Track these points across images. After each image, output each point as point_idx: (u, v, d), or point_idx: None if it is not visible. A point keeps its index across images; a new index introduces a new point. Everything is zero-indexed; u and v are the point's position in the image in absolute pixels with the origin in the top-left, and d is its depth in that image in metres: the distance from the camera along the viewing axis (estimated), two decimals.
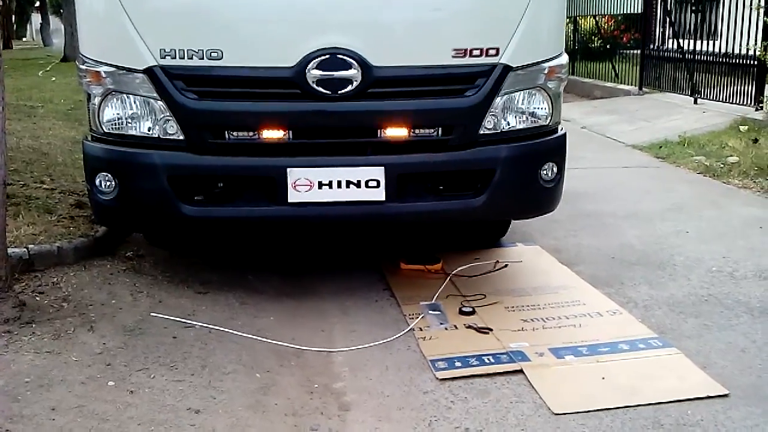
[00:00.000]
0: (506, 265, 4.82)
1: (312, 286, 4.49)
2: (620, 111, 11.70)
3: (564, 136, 4.25)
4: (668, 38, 13.87)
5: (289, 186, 3.83)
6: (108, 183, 3.91)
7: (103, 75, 3.85)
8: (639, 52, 14.11)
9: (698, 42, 11.99)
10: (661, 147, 8.91)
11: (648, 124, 10.55)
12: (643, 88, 13.25)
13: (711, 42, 11.77)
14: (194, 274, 4.48)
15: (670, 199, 6.58)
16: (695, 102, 11.44)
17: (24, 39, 45.42)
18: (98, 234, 4.59)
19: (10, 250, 4.04)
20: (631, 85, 13.65)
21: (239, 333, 3.68)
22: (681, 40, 12.52)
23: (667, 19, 13.50)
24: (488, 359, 3.52)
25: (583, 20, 16.99)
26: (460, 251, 5.05)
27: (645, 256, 5.05)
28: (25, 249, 4.15)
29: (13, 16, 30.35)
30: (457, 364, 3.49)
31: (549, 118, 4.13)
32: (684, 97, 11.84)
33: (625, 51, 15.76)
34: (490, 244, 5.21)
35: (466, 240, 5.18)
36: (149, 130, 3.86)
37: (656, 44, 14.07)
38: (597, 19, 16.60)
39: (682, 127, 9.76)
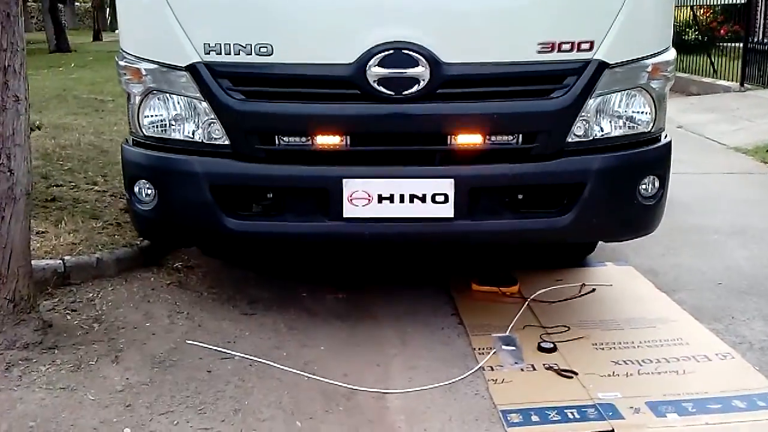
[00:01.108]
0: (594, 290, 4.22)
1: (369, 308, 4.01)
2: (720, 109, 10.76)
3: (669, 145, 3.62)
4: None
5: (345, 199, 3.36)
6: (147, 192, 3.53)
7: (143, 72, 3.46)
8: (738, 45, 13.06)
9: None
10: (767, 150, 8.04)
11: (751, 124, 9.62)
12: (745, 84, 12.22)
13: None
14: (243, 291, 4.07)
15: None
16: None
17: (116, 31, 46.57)
18: (144, 243, 4.24)
19: (44, 262, 3.73)
20: (732, 81, 12.61)
21: (283, 367, 3.24)
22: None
23: None
24: (572, 414, 2.96)
25: (678, 11, 15.93)
26: (540, 270, 4.48)
27: (757, 283, 4.36)
28: (60, 261, 3.82)
29: (107, 9, 31.01)
30: (534, 417, 2.94)
31: (651, 124, 3.51)
32: None
33: (722, 44, 14.66)
34: (575, 263, 4.61)
35: (548, 257, 4.60)
36: (192, 134, 3.45)
37: (758, 37, 12.99)
38: (694, 9, 15.52)
39: None
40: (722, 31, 15.40)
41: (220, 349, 3.34)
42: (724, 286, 4.34)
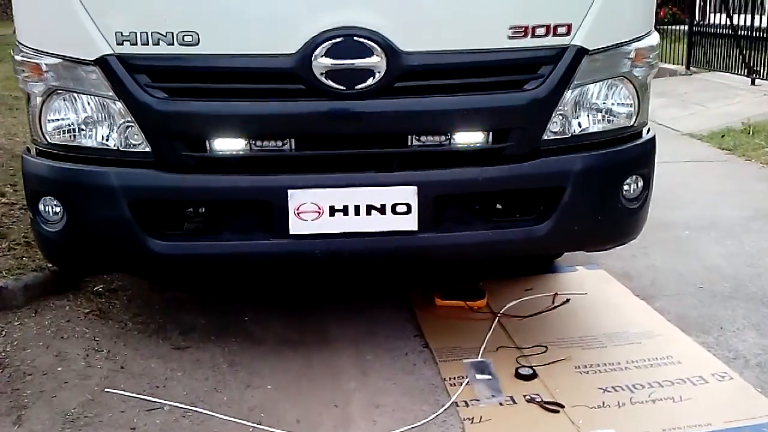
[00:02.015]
0: (568, 300, 3.83)
1: (323, 331, 3.53)
2: (668, 93, 10.58)
3: (653, 140, 3.23)
4: (710, 12, 12.72)
5: (291, 213, 2.87)
6: (54, 210, 2.97)
7: (44, 68, 2.89)
8: (677, 28, 12.99)
9: (751, 17, 10.82)
10: (723, 136, 7.85)
11: (703, 108, 9.46)
12: (691, 68, 12.11)
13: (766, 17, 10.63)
14: (175, 317, 3.54)
15: (750, 203, 5.54)
16: (753, 83, 10.31)
17: None
18: None
19: None
20: (677, 64, 12.50)
21: (224, 417, 2.74)
22: (732, 15, 11.35)
23: None
24: None
25: None
26: (507, 279, 4.07)
27: (741, 285, 4.04)
28: None
29: None
30: None
31: (634, 117, 3.12)
32: (739, 78, 10.69)
33: (662, 27, 14.58)
34: (544, 269, 4.23)
35: (514, 264, 4.19)
36: (106, 140, 2.91)
37: (700, 19, 12.90)
38: None
39: (743, 113, 8.65)
40: (661, 14, 15.33)
41: (146, 397, 2.82)
42: (705, 290, 4.00)
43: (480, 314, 3.69)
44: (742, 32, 10.87)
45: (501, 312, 3.68)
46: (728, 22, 11.25)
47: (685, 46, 12.41)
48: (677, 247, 4.63)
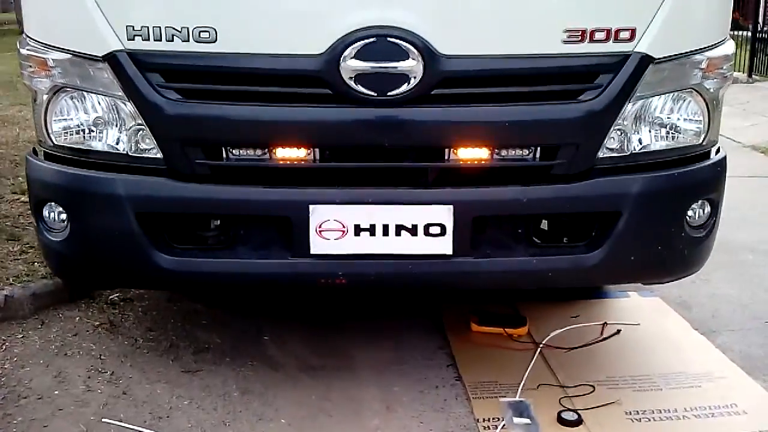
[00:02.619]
0: (618, 331, 3.47)
1: (346, 355, 3.24)
2: (729, 102, 9.92)
3: (724, 161, 2.87)
4: None
5: (312, 230, 2.59)
6: (58, 218, 2.74)
7: (51, 64, 2.66)
8: (738, 33, 12.35)
9: None
10: None
11: (765, 119, 8.94)
12: (753, 75, 11.52)
13: None
14: (189, 334, 3.30)
15: None
16: None
17: None
18: None
19: None
20: (738, 71, 11.89)
21: None
22: None
23: None
24: None
25: None
26: (551, 303, 3.73)
27: None
28: None
29: None
30: None
31: (703, 135, 2.76)
32: None
33: None
34: (592, 293, 3.88)
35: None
36: (114, 144, 2.66)
37: (763, 25, 12.30)
38: None
39: None
40: None
41: (146, 430, 2.57)
42: None
43: (520, 343, 3.36)
44: None
45: (543, 342, 3.34)
46: None
47: (748, 53, 11.82)
48: (741, 274, 4.23)
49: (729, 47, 2.76)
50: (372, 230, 2.60)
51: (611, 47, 2.54)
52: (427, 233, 2.60)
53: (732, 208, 5.37)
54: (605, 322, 3.53)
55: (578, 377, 3.06)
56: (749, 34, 11.93)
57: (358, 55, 2.44)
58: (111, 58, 2.55)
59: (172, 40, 2.50)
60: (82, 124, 2.69)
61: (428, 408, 2.86)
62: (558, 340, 3.38)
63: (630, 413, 2.82)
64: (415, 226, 2.60)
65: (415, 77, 2.46)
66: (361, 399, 2.91)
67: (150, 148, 2.63)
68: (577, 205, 2.66)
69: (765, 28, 11.99)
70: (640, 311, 3.71)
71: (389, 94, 2.48)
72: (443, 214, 2.59)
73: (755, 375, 3.12)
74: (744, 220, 5.14)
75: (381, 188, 2.62)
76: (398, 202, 2.60)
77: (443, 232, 2.60)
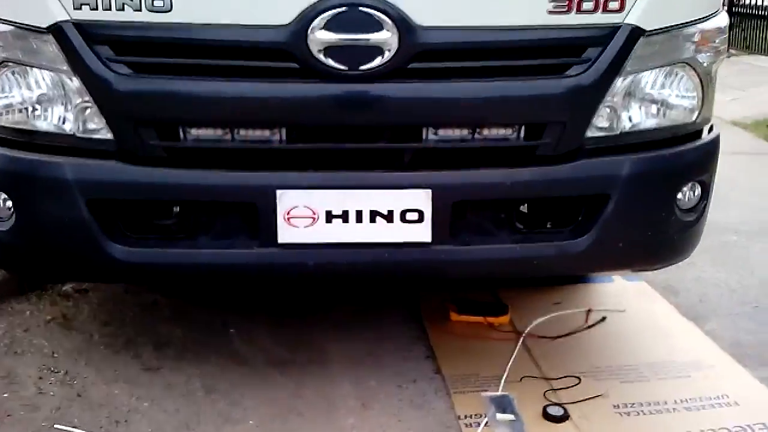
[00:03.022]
0: (604, 318, 3.33)
1: (319, 348, 3.06)
2: None
3: (717, 140, 2.72)
4: None
5: (280, 217, 2.38)
6: (3, 205, 2.51)
7: None
8: None
9: None
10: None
11: (744, 94, 8.84)
12: (730, 50, 11.43)
13: None
14: (150, 327, 3.09)
15: None
16: None
17: None
18: None
19: None
20: None
21: None
22: None
23: None
24: None
25: None
26: (533, 289, 3.57)
27: None
28: None
29: None
30: None
31: (696, 112, 2.59)
32: None
33: None
34: (575, 278, 3.72)
35: None
36: (61, 124, 2.43)
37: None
38: None
39: None
40: None
41: None
42: (762, 309, 3.49)
43: (502, 333, 3.20)
44: None
45: (526, 331, 3.18)
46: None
47: None
48: (727, 256, 4.11)
49: (722, 19, 2.59)
50: (345, 217, 2.40)
51: (600, 18, 2.36)
52: (403, 220, 2.41)
53: (716, 186, 5.27)
54: (590, 309, 3.39)
55: (563, 368, 2.91)
56: (725, 8, 11.83)
57: (328, 26, 2.23)
58: (56, 30, 2.31)
59: (123, 9, 2.26)
60: (24, 102, 2.44)
61: (406, 404, 2.69)
62: (541, 328, 3.22)
63: (618, 406, 2.68)
64: (390, 212, 2.40)
65: (389, 50, 2.26)
66: (334, 396, 2.73)
67: (99, 128, 2.40)
68: (563, 188, 2.48)
69: (741, 2, 11.89)
70: (626, 296, 3.57)
71: (361, 68, 2.27)
72: (421, 199, 2.40)
73: (746, 363, 2.98)
74: (727, 200, 4.98)
75: (354, 171, 2.42)
76: (373, 186, 2.40)
77: (421, 219, 2.41)
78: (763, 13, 10.83)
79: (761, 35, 10.88)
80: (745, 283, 3.77)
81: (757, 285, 3.75)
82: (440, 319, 3.30)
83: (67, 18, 2.29)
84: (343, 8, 2.23)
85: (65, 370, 2.72)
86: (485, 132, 2.46)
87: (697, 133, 2.66)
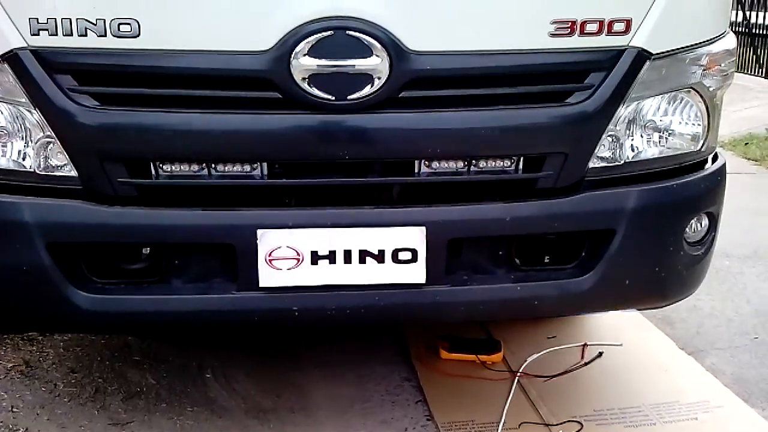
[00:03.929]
0: (600, 354, 3.17)
1: (301, 394, 2.85)
2: None
3: (723, 169, 2.58)
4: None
5: (261, 259, 2.18)
6: None
7: None
8: None
9: (765, 14, 10.23)
10: (747, 144, 7.24)
11: (728, 111, 8.80)
12: None
13: None
14: (120, 373, 2.86)
15: None
16: None
17: None
18: None
19: None
20: None
21: None
22: (747, 12, 10.75)
23: None
24: None
25: None
26: (524, 323, 3.40)
27: None
28: None
29: None
30: None
31: (702, 140, 2.45)
32: (755, 79, 10.09)
33: None
34: None
35: None
36: (21, 161, 2.21)
37: None
38: None
39: (763, 117, 8.08)
40: None
41: None
42: (762, 341, 3.36)
43: (495, 372, 3.02)
44: (758, 30, 10.27)
45: (520, 370, 3.01)
46: (743, 20, 10.64)
47: None
48: (720, 283, 3.98)
49: (730, 41, 2.46)
50: (332, 257, 2.21)
51: (604, 41, 2.20)
52: (396, 259, 2.23)
53: None
54: (585, 343, 3.22)
55: (563, 411, 2.74)
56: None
57: (312, 52, 2.05)
58: (11, 58, 2.08)
59: (86, 35, 2.05)
60: None
61: None
62: (536, 366, 3.05)
63: None
64: (381, 252, 2.22)
65: (379, 77, 2.08)
66: None
67: (62, 164, 2.18)
68: (566, 222, 2.31)
69: None
70: (621, 329, 3.41)
71: (349, 97, 2.09)
72: (414, 237, 2.22)
73: (752, 402, 2.85)
74: None
75: (341, 208, 2.23)
76: (362, 224, 2.21)
77: (414, 258, 2.23)
78: (734, 29, 10.90)
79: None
80: (742, 312, 3.65)
81: (755, 314, 3.62)
82: (430, 356, 3.12)
83: (24, 45, 2.07)
84: (329, 32, 2.05)
85: (25, 427, 2.48)
86: (482, 164, 2.29)
87: (704, 162, 2.52)
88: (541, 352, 3.14)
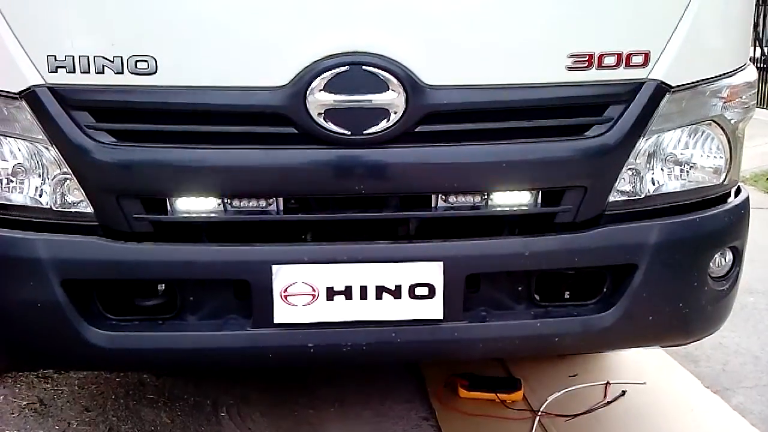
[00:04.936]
0: (624, 393, 3.09)
1: (318, 428, 2.80)
2: None
3: (746, 203, 2.53)
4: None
5: (277, 295, 2.16)
6: None
7: None
8: None
9: None
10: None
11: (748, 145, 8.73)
12: None
13: None
14: (133, 413, 2.83)
15: None
16: None
17: None
18: None
19: None
20: None
21: None
22: (765, 48, 10.73)
23: None
24: None
25: None
26: (546, 359, 3.33)
27: None
28: None
29: None
30: None
31: (724, 173, 2.41)
32: None
33: None
34: None
35: None
36: (37, 197, 2.21)
37: None
38: None
39: None
40: None
41: None
42: None
43: (516, 411, 2.96)
44: None
45: (542, 409, 2.94)
46: (761, 55, 10.61)
47: None
48: (745, 320, 3.90)
49: (751, 73, 2.43)
50: (348, 293, 2.18)
51: (623, 74, 2.18)
52: (412, 295, 2.19)
53: None
54: (608, 382, 3.15)
55: None
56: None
57: (328, 87, 2.04)
58: (29, 95, 2.10)
59: (103, 72, 2.07)
60: None
61: None
62: (557, 405, 2.98)
63: None
64: (398, 288, 2.19)
65: (395, 112, 2.07)
66: None
67: (78, 201, 2.18)
68: (586, 257, 2.27)
69: None
70: (644, 367, 3.33)
71: (365, 132, 2.09)
72: (431, 273, 2.18)
73: None
74: None
75: (357, 243, 2.21)
76: (378, 259, 2.19)
77: (432, 294, 2.20)
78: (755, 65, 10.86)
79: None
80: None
81: None
82: (448, 395, 3.05)
83: (42, 82, 2.09)
84: (345, 67, 2.05)
85: None
86: (500, 198, 2.26)
87: (726, 195, 2.47)
88: (563, 391, 3.07)
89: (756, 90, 2.48)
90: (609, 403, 3.02)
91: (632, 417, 2.94)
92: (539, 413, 2.91)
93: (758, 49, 10.73)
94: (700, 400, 3.08)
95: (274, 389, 3.08)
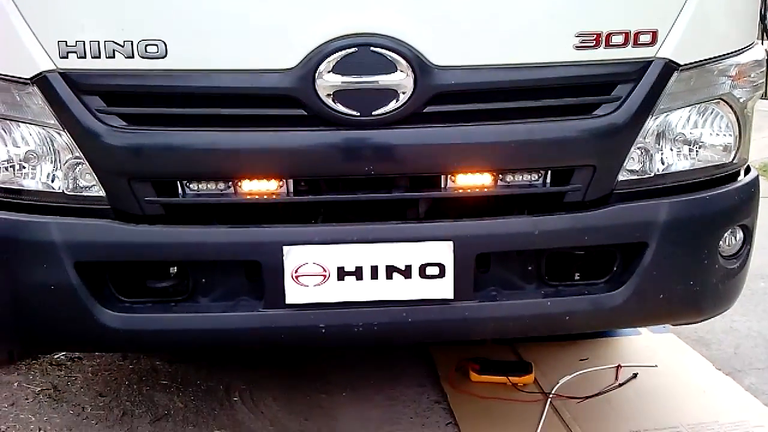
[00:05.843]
0: (635, 375, 3.09)
1: (329, 416, 2.82)
2: None
3: (756, 181, 2.53)
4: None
5: (288, 276, 2.17)
6: None
7: None
8: None
9: None
10: None
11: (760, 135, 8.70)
12: None
13: None
14: (148, 397, 2.85)
15: None
16: None
17: None
18: None
19: None
20: None
21: None
22: None
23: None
24: None
25: None
26: (556, 342, 3.34)
27: None
28: None
29: None
30: None
31: (734, 151, 2.41)
32: None
33: None
34: (600, 331, 3.49)
35: None
36: (50, 182, 2.23)
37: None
38: None
39: None
40: None
41: None
42: None
43: (527, 394, 2.96)
44: None
45: (553, 392, 2.95)
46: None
47: None
48: (757, 304, 3.89)
49: (759, 52, 2.42)
50: (358, 273, 2.19)
51: (631, 53, 2.18)
52: (423, 275, 2.20)
53: None
54: (619, 365, 3.15)
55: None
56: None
57: (337, 69, 2.05)
58: (41, 81, 2.12)
59: (114, 57, 2.08)
60: (10, 160, 2.25)
61: None
62: (568, 387, 2.98)
63: None
64: (408, 267, 2.20)
65: (404, 93, 2.08)
66: None
67: (91, 185, 2.20)
68: (596, 236, 2.27)
69: None
70: (655, 350, 3.33)
71: (374, 113, 2.10)
72: (442, 252, 2.19)
73: None
74: None
75: (368, 224, 2.22)
76: (388, 239, 2.20)
77: (442, 273, 2.21)
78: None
79: None
80: None
81: None
82: (460, 379, 3.06)
83: (53, 67, 2.11)
84: (353, 49, 2.06)
85: None
86: (509, 178, 2.27)
87: (736, 174, 2.47)
88: (574, 374, 3.07)
89: (764, 68, 2.47)
90: (620, 385, 3.02)
91: (644, 398, 2.94)
92: (551, 395, 2.92)
93: (765, 42, 10.65)
94: (712, 382, 3.08)
95: (286, 374, 3.10)
